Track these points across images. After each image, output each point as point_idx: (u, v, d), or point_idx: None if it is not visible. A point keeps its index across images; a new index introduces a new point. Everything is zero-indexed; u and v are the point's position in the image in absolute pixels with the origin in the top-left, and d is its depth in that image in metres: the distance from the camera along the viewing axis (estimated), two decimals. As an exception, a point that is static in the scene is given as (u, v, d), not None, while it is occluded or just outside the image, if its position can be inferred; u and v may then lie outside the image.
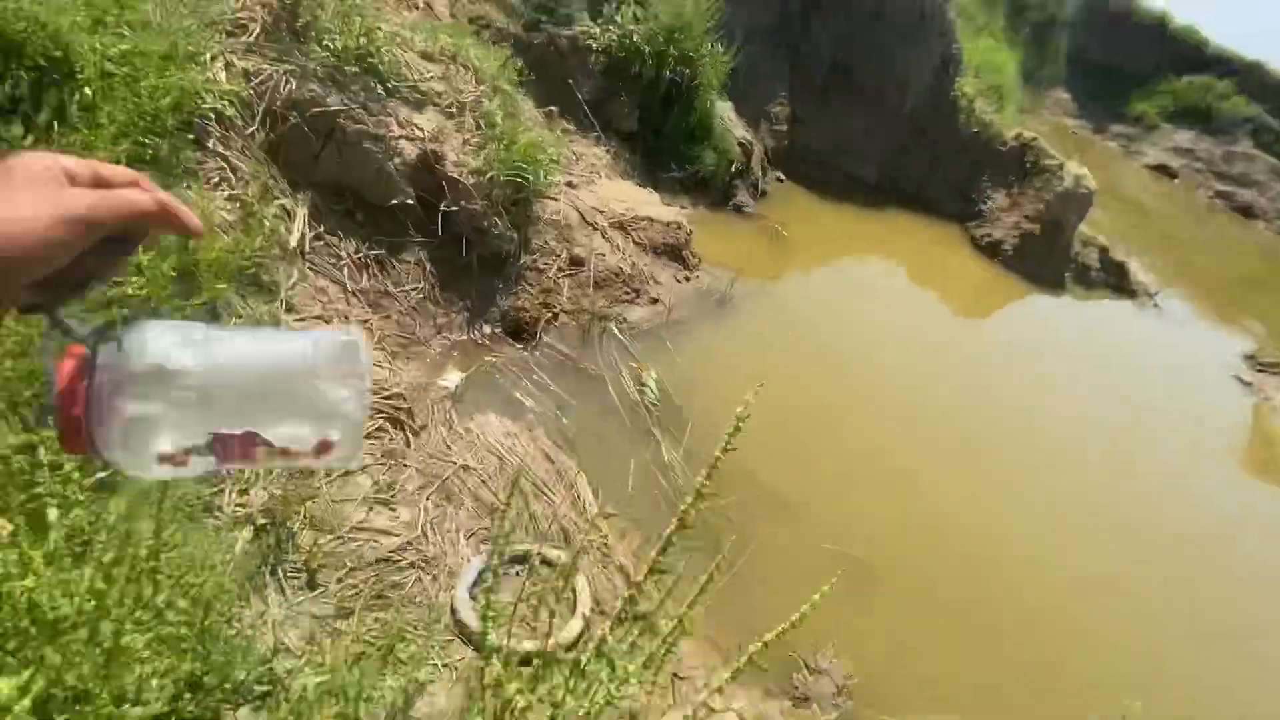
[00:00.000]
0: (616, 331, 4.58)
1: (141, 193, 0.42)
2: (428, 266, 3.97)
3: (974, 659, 3.57)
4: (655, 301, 4.95)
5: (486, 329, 4.13)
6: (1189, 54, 15.90)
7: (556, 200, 4.73)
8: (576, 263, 4.63)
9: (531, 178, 4.21)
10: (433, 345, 3.86)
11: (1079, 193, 8.24)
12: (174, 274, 2.55)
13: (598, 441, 3.77)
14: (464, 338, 4.01)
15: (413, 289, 3.87)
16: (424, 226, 3.95)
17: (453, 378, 3.73)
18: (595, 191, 5.14)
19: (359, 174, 3.69)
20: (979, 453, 5.04)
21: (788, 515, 3.82)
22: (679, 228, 5.38)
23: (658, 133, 6.30)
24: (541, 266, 4.49)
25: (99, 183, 0.40)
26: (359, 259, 3.67)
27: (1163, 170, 15.12)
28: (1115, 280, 9.05)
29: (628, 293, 4.81)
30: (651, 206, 5.35)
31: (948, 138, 8.68)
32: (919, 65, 8.52)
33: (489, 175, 4.01)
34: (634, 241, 5.06)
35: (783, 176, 8.04)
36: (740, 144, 6.79)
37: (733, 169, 6.65)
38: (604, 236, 4.87)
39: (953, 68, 8.74)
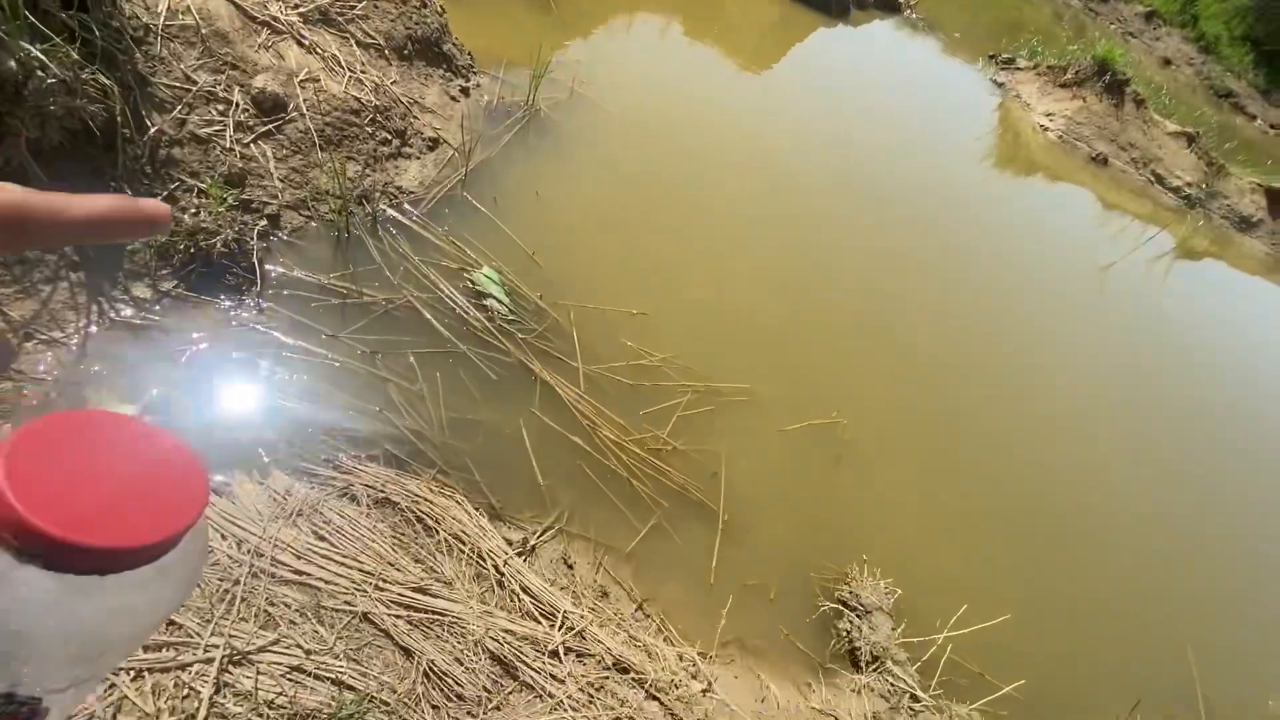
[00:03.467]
0: (394, 212, 2.70)
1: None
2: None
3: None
4: (435, 144, 3.01)
5: (136, 291, 2.04)
6: None
7: (169, -17, 2.33)
8: (268, 107, 2.46)
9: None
10: (23, 372, 1.76)
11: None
12: None
13: (457, 429, 2.19)
14: (91, 329, 1.92)
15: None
16: None
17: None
18: (245, -44, 2.71)
19: None
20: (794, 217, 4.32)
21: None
22: (423, 5, 3.22)
23: None
24: (201, 129, 2.29)
25: None
26: None
27: None
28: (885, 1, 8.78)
29: (387, 139, 2.81)
30: (361, -27, 3.07)
31: None
32: None
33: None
34: (359, 42, 2.89)
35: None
36: None
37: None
38: (302, 43, 2.65)
39: None
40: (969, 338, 3.89)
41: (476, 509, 1.99)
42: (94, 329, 1.93)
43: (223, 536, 1.52)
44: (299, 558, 1.59)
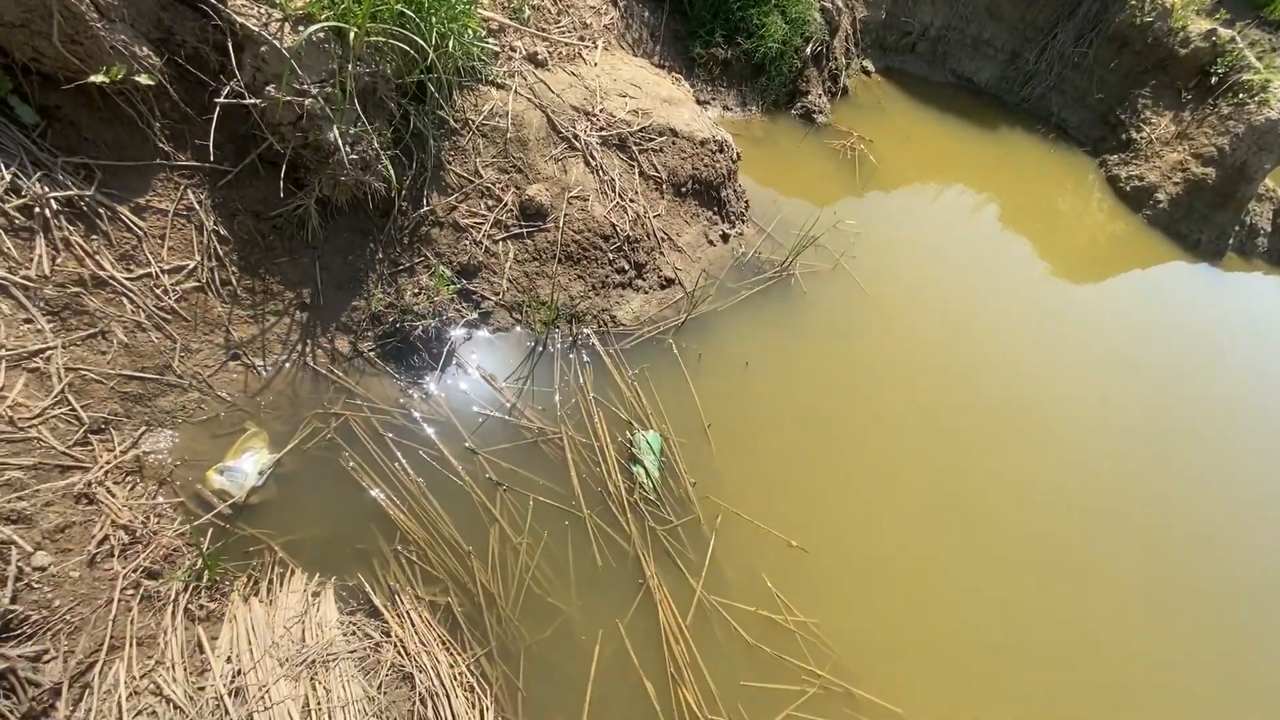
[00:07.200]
0: (596, 341, 2.62)
1: None
2: (209, 222, 1.96)
3: None
4: (669, 283, 2.92)
5: (339, 344, 2.18)
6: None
7: (503, 88, 2.58)
8: (531, 213, 2.57)
9: (439, 36, 2.07)
10: (212, 386, 1.94)
11: (1287, 125, 5.77)
12: None
13: (532, 609, 1.92)
14: (286, 365, 2.07)
15: (176, 270, 1.89)
16: (186, 135, 1.91)
17: (246, 464, 1.85)
18: (582, 75, 2.96)
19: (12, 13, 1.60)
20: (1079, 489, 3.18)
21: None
22: (720, 150, 3.21)
23: (698, -19, 3.94)
24: (462, 218, 2.44)
25: None
26: (27, 206, 1.67)
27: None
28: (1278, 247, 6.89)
29: (624, 268, 2.78)
30: (679, 109, 3.17)
31: (1102, 26, 6.08)
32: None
33: (325, 24, 1.89)
34: (642, 173, 2.95)
35: (870, 68, 5.61)
36: (823, 9, 4.38)
37: (808, 50, 4.31)
38: (589, 163, 2.76)
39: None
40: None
41: (499, 723, 1.68)
42: (288, 365, 2.08)
43: (228, 658, 1.42)
44: None
